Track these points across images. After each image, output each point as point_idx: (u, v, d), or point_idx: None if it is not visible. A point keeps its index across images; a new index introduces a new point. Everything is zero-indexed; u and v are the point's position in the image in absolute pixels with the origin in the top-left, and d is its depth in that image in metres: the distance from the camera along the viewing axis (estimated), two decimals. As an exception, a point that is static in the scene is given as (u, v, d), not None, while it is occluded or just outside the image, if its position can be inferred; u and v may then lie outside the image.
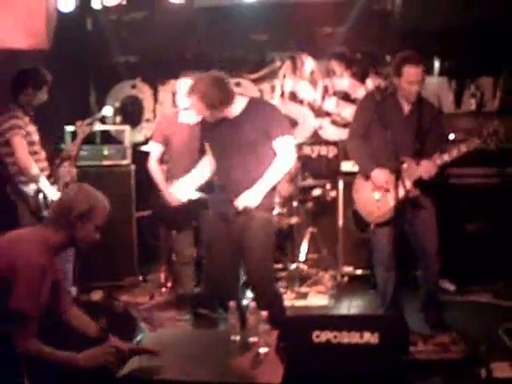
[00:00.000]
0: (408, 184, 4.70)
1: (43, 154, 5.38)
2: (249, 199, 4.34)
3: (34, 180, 5.10)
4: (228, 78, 4.45)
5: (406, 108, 4.94)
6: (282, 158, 4.41)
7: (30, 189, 5.15)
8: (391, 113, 4.88)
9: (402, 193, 4.61)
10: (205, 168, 4.75)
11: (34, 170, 5.10)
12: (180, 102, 5.72)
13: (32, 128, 5.29)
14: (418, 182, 4.82)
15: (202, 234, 5.54)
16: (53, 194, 5.14)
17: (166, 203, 5.50)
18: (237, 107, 4.44)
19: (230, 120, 4.44)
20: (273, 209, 4.65)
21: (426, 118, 4.91)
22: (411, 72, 4.76)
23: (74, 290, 5.63)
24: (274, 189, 4.52)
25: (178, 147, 5.57)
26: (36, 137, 5.32)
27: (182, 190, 4.83)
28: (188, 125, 5.56)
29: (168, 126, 5.64)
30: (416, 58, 4.79)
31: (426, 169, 4.75)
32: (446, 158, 4.73)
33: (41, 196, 5.12)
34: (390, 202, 4.75)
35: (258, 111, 4.43)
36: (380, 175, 4.85)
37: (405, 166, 4.75)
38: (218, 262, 4.64)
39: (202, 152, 5.00)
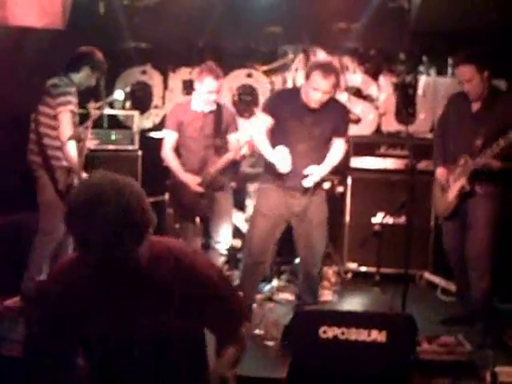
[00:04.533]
0: (462, 180, 4.80)
1: None
2: (315, 173, 4.94)
3: (74, 170, 4.85)
4: None
5: (475, 106, 4.87)
6: (338, 154, 5.11)
7: (63, 166, 4.98)
8: (461, 111, 4.95)
9: (457, 189, 4.85)
10: None
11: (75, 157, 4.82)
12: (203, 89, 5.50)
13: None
14: (479, 177, 4.77)
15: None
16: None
17: (183, 190, 5.53)
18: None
19: (314, 111, 4.89)
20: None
21: (499, 115, 4.72)
22: (459, 72, 4.82)
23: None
24: None
25: (192, 134, 5.54)
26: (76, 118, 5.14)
27: None
28: (202, 112, 5.51)
29: (182, 113, 5.59)
30: (461, 57, 4.81)
31: (478, 163, 4.69)
32: (495, 149, 4.54)
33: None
34: (449, 197, 4.98)
35: (336, 110, 5.03)
36: (439, 173, 5.08)
37: (461, 162, 4.84)
38: (262, 235, 5.13)
39: (215, 138, 5.36)
